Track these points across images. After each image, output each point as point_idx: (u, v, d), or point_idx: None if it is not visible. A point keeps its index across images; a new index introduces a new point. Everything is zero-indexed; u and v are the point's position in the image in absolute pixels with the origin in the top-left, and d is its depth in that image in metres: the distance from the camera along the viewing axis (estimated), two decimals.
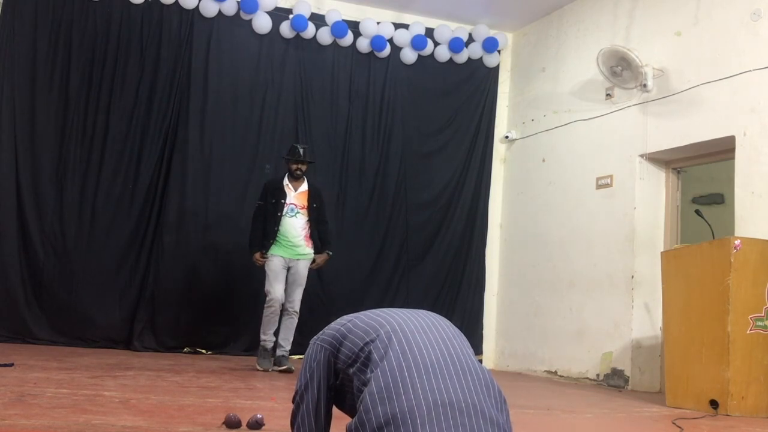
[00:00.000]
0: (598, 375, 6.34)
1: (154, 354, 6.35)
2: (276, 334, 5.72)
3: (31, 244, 6.43)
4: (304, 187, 5.84)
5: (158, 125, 6.84)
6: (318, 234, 5.87)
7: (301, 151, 5.80)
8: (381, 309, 1.99)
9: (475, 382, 1.71)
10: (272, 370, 5.59)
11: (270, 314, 5.65)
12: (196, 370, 5.20)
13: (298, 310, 5.74)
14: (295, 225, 5.72)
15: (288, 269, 5.73)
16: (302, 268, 5.76)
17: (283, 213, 5.71)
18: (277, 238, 5.70)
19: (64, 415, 2.85)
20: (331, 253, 5.92)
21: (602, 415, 4.32)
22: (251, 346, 6.83)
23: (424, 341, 1.78)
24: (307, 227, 5.78)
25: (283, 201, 5.72)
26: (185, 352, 6.63)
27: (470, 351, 1.85)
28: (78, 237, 6.56)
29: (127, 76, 6.80)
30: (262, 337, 5.69)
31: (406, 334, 1.80)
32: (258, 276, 6.86)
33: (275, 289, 5.63)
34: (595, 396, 5.39)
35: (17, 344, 6.09)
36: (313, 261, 5.84)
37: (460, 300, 7.62)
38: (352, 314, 2.00)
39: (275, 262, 5.68)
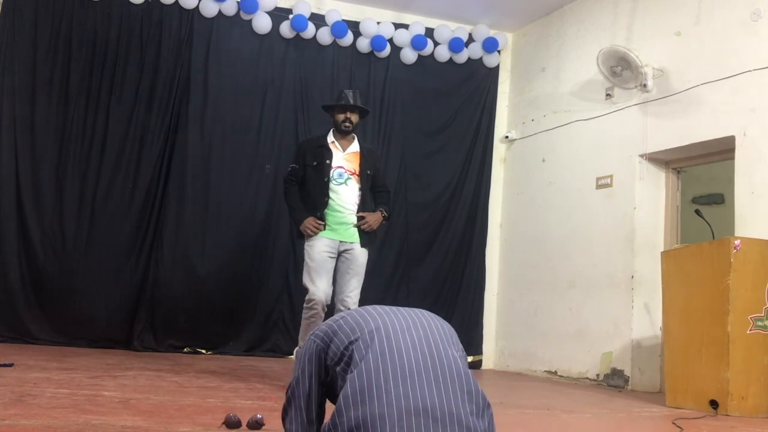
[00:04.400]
0: (598, 375, 6.34)
1: (154, 354, 6.34)
2: None
3: (31, 244, 6.42)
4: (355, 147, 4.55)
5: (158, 125, 6.83)
6: (374, 198, 4.58)
7: (351, 95, 4.48)
8: (373, 306, 1.98)
9: (455, 388, 1.68)
10: None
11: (311, 318, 4.34)
12: (196, 370, 5.20)
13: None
14: (347, 195, 4.41)
15: (339, 255, 4.46)
16: (359, 254, 4.46)
17: (330, 178, 4.39)
18: (325, 213, 4.39)
19: (64, 415, 2.85)
20: (386, 214, 4.60)
21: (602, 415, 4.32)
22: (251, 346, 6.85)
23: (407, 343, 1.76)
24: (361, 200, 4.49)
25: (329, 162, 4.39)
26: (185, 352, 6.63)
27: (457, 353, 1.82)
28: (78, 237, 6.55)
29: (127, 76, 6.79)
30: None
31: (389, 334, 1.78)
32: (259, 275, 6.92)
33: (318, 286, 4.35)
34: (595, 396, 5.39)
35: (17, 344, 6.08)
36: (362, 218, 4.45)
37: (460, 300, 7.60)
38: (347, 311, 2.01)
39: (319, 247, 4.37)
